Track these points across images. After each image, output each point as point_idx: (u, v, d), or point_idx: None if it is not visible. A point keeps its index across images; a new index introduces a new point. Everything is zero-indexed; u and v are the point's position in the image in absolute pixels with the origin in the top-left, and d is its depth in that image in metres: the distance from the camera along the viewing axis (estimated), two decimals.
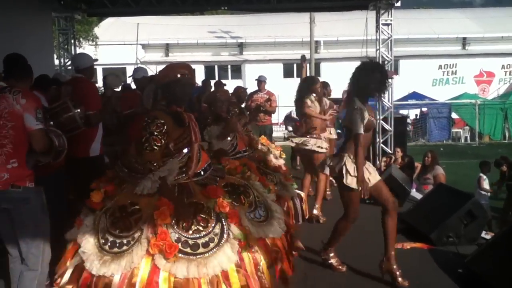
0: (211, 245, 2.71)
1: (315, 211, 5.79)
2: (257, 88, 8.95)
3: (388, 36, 9.79)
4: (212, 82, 9.20)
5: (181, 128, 2.99)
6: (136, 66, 18.71)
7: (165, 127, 2.87)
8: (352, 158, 3.92)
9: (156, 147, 2.84)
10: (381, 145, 9.88)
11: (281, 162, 5.50)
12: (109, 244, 2.75)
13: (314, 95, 5.95)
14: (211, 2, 9.92)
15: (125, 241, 2.73)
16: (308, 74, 6.44)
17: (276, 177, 4.76)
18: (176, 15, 23.53)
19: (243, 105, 6.69)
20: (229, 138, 4.59)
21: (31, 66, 3.49)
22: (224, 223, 2.83)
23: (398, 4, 10.07)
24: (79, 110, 3.96)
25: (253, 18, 24.92)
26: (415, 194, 7.30)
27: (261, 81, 8.89)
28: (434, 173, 8.32)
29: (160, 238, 2.66)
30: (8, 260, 3.30)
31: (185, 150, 3.01)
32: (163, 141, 2.86)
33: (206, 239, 2.73)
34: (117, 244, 2.73)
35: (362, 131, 3.85)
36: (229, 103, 5.05)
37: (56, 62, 10.43)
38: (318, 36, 23.83)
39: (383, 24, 9.78)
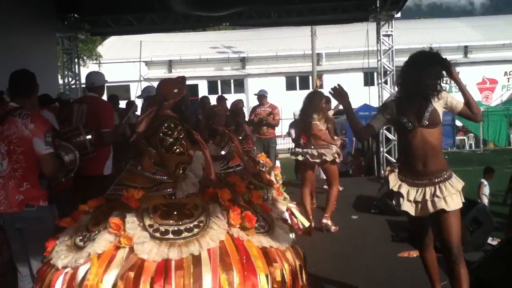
0: (266, 228, 2.75)
1: (324, 220, 5.91)
2: (258, 103, 8.95)
3: (389, 47, 9.85)
4: (215, 97, 9.26)
5: (192, 144, 3.04)
6: (141, 83, 18.88)
7: (184, 133, 2.92)
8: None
9: (184, 151, 2.86)
10: (385, 154, 9.90)
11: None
12: (173, 231, 2.48)
13: (319, 114, 5.88)
14: (213, 18, 10.02)
15: (191, 225, 2.52)
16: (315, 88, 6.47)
17: (269, 191, 4.76)
18: (178, 32, 23.75)
19: (246, 119, 6.72)
20: (222, 152, 4.60)
21: (37, 82, 3.46)
22: (262, 213, 2.91)
23: (398, 15, 10.16)
24: (90, 136, 3.91)
25: (255, 33, 25.16)
26: None
27: (261, 96, 8.83)
28: None
29: (237, 211, 2.62)
30: (17, 279, 3.32)
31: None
32: (185, 147, 2.88)
33: (259, 223, 2.72)
34: (185, 229, 2.49)
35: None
36: (226, 117, 5.07)
37: (60, 81, 10.55)
38: (319, 49, 23.98)
39: (384, 35, 9.86)
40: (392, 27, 9.81)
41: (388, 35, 9.86)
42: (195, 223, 2.53)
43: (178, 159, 2.82)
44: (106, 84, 5.01)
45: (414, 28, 25.96)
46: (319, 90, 7.43)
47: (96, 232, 2.54)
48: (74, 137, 3.90)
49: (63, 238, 2.68)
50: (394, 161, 9.57)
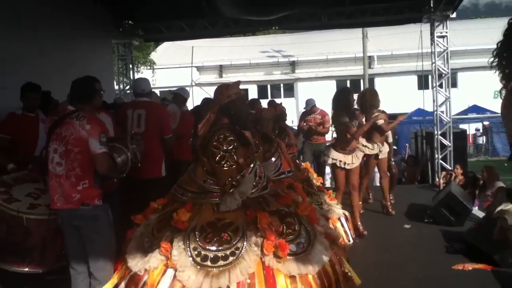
0: (305, 246, 2.85)
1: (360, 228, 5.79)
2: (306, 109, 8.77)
3: (444, 49, 9.50)
4: (266, 101, 9.21)
5: (246, 147, 3.10)
6: (193, 88, 19.27)
7: (235, 143, 3.00)
8: None
9: (234, 164, 2.95)
10: (440, 161, 9.54)
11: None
12: (211, 258, 2.75)
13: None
14: (263, 22, 10.04)
15: (228, 252, 2.75)
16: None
17: (321, 197, 4.68)
18: (228, 37, 24.06)
19: (295, 124, 6.66)
20: (273, 159, 4.54)
21: (96, 86, 3.58)
22: (307, 225, 2.97)
23: (454, 15, 9.77)
24: (134, 146, 3.87)
25: (305, 36, 25.02)
26: (477, 212, 6.96)
27: (310, 105, 8.54)
28: (494, 189, 7.89)
29: (272, 239, 2.75)
30: (70, 277, 3.43)
31: (251, 165, 3.09)
32: (235, 157, 2.97)
33: (298, 240, 2.86)
34: (222, 257, 2.75)
35: None
36: (274, 121, 5.02)
37: (116, 87, 10.92)
38: (371, 51, 23.53)
39: (438, 37, 9.52)
40: (447, 28, 9.46)
41: (443, 37, 9.51)
42: (232, 249, 2.76)
43: (228, 174, 2.94)
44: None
45: (471, 28, 24.95)
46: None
47: (157, 241, 2.89)
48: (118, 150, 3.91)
49: (136, 234, 3.10)
50: (450, 168, 9.21)
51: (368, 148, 6.50)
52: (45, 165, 3.44)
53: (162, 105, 5.86)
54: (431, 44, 9.69)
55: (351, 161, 5.72)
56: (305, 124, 8.34)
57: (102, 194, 3.38)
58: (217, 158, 2.96)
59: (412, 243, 5.69)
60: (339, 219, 4.92)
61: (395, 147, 11.49)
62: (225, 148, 2.97)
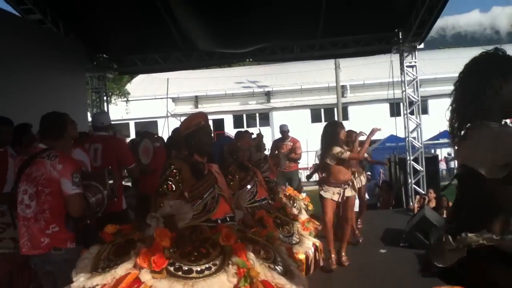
0: (206, 272, 2.60)
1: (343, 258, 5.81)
2: (280, 136, 8.99)
3: (414, 77, 9.81)
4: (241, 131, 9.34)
5: (199, 178, 3.06)
6: (168, 119, 19.24)
7: (180, 175, 2.96)
8: None
9: (168, 192, 2.91)
10: (414, 185, 9.72)
11: (303, 216, 5.36)
12: (102, 267, 2.69)
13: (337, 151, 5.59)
14: (237, 55, 10.22)
15: (118, 261, 2.66)
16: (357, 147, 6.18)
17: (294, 226, 4.70)
18: (204, 69, 24.30)
19: (267, 153, 6.72)
20: (249, 186, 4.58)
21: (66, 124, 3.48)
22: (227, 256, 2.73)
23: (422, 46, 10.14)
24: (112, 181, 3.82)
25: (279, 67, 25.51)
26: None
27: (284, 131, 8.83)
28: None
29: (152, 252, 2.60)
30: None
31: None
32: (174, 187, 2.93)
33: (203, 267, 2.62)
34: (111, 265, 2.67)
35: None
36: (250, 152, 5.08)
37: (89, 119, 10.85)
38: (344, 81, 24.09)
39: (408, 66, 9.83)
40: (415, 58, 9.79)
41: (412, 66, 9.83)
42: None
43: (160, 200, 2.89)
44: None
45: (439, 58, 25.88)
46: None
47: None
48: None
49: (86, 255, 2.85)
50: (423, 192, 9.38)
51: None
52: (14, 204, 3.31)
53: (119, 137, 5.80)
54: (401, 74, 10.00)
55: (349, 193, 5.76)
56: (277, 151, 8.48)
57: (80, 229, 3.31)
58: (159, 184, 2.95)
59: (388, 267, 5.74)
60: (305, 253, 4.80)
61: (369, 173, 11.66)
62: (165, 175, 2.95)
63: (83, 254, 2.81)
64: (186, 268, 2.60)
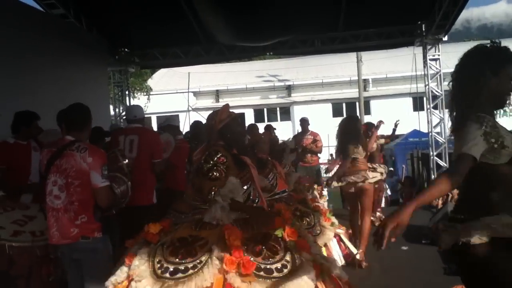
0: (285, 270, 2.63)
1: (357, 256, 5.41)
2: (301, 129, 8.99)
3: (437, 71, 9.62)
4: (263, 125, 9.32)
5: (240, 168, 3.09)
6: (189, 113, 19.33)
7: (227, 161, 2.98)
8: None
9: (220, 177, 2.91)
10: None
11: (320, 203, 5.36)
12: (170, 271, 2.64)
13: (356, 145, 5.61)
14: (257, 49, 10.18)
15: (190, 265, 2.63)
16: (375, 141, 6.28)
17: (316, 217, 4.66)
18: (224, 63, 24.33)
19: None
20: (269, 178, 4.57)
21: (90, 116, 3.52)
22: (294, 252, 2.77)
23: (446, 38, 9.93)
24: (126, 161, 3.88)
25: (300, 61, 25.30)
26: None
27: (304, 120, 8.89)
28: None
29: (236, 255, 2.59)
30: None
31: (245, 187, 3.07)
32: (224, 173, 2.93)
33: (279, 265, 2.64)
34: (181, 270, 2.62)
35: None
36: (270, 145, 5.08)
37: (112, 113, 10.99)
38: (366, 75, 23.76)
39: (431, 59, 9.66)
40: (439, 51, 9.61)
41: (436, 59, 9.65)
42: (195, 263, 2.64)
43: (212, 184, 2.89)
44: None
45: (464, 51, 25.18)
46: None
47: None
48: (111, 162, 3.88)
49: (138, 267, 2.82)
50: None
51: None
52: (41, 194, 3.38)
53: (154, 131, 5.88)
54: (424, 67, 9.83)
55: (367, 177, 5.67)
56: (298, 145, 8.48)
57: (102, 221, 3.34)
58: (206, 170, 2.94)
59: (410, 265, 5.65)
60: (325, 245, 4.75)
61: (391, 169, 11.52)
62: (214, 161, 2.94)
63: (134, 261, 2.76)
64: (264, 267, 2.63)
